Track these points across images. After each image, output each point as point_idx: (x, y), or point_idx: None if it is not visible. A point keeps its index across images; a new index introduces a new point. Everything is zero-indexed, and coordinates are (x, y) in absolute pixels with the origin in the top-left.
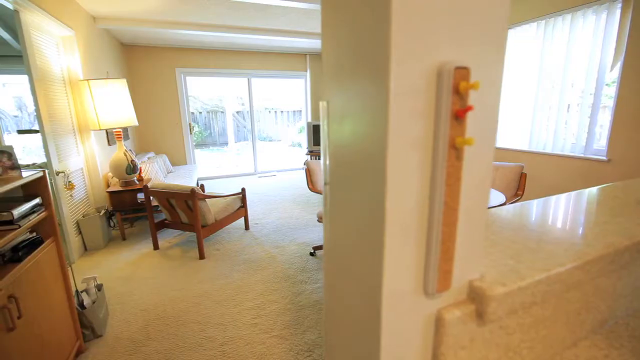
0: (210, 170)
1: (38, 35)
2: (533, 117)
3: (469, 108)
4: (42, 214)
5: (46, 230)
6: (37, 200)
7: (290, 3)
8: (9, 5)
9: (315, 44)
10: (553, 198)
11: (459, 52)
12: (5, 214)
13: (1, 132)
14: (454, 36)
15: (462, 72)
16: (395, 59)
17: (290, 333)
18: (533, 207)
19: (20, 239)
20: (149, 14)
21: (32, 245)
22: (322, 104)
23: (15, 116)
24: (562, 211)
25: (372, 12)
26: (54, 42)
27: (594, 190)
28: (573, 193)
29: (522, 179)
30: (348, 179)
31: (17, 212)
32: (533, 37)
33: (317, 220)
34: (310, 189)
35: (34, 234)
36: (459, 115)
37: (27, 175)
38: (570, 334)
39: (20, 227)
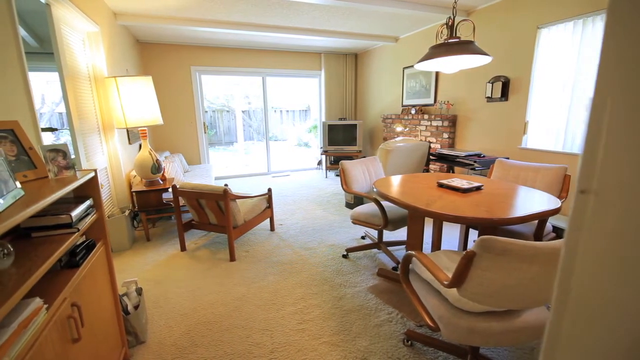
0: (219, 170)
1: (67, 30)
2: (568, 117)
3: None
4: (94, 215)
5: (96, 232)
6: (89, 202)
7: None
8: None
9: (331, 42)
10: None
11: None
12: (64, 216)
13: (39, 129)
14: None
15: None
16: None
17: (341, 339)
18: None
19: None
20: (173, 11)
21: (87, 249)
22: (599, 100)
23: None
24: None
25: None
26: (80, 38)
27: None
28: None
29: (567, 181)
30: None
31: (74, 214)
32: (569, 37)
33: (352, 222)
34: (344, 189)
35: (84, 236)
36: None
37: (82, 175)
38: None
39: (78, 230)
